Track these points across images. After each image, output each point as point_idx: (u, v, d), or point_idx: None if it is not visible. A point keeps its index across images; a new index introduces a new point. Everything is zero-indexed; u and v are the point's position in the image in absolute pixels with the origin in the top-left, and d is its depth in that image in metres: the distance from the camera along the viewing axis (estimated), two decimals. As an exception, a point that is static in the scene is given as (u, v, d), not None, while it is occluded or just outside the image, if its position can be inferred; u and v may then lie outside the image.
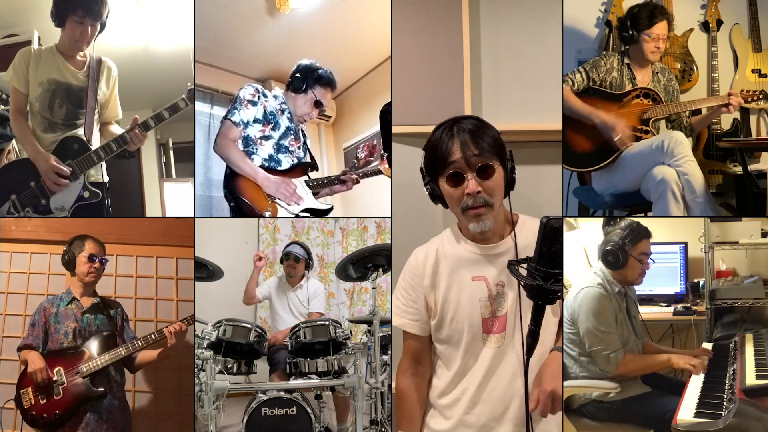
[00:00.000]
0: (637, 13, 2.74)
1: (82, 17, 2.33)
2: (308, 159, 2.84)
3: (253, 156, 2.65)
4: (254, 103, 2.66)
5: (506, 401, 1.63)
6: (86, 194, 2.46)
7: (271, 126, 2.70)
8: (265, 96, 2.71)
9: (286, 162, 2.72)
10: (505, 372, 1.63)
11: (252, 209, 2.57)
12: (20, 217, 2.46)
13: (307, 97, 2.73)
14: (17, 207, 2.43)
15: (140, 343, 2.36)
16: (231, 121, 2.60)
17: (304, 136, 2.89)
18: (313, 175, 2.80)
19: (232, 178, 2.61)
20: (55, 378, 2.28)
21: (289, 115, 2.75)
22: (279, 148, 2.72)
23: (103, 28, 2.42)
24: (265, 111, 2.68)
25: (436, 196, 1.63)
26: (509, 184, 1.60)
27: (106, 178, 2.59)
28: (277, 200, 2.62)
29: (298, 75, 2.73)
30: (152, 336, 2.36)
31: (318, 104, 2.75)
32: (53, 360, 2.31)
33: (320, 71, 2.74)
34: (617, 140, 2.69)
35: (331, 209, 2.76)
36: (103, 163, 2.54)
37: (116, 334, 2.42)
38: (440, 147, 1.56)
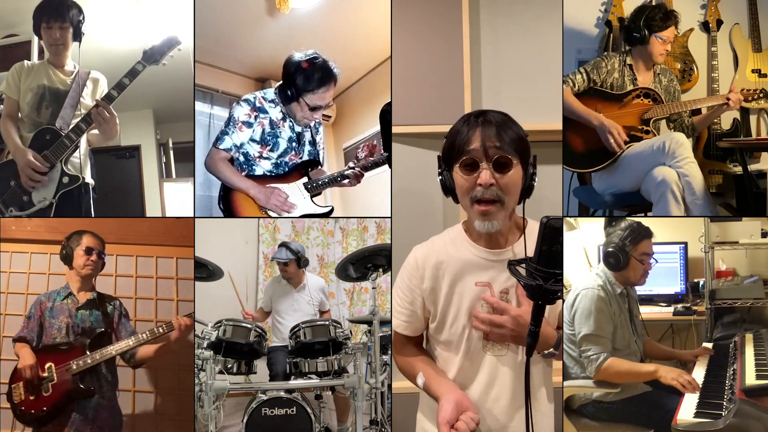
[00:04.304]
0: (651, 14, 2.73)
1: (48, 21, 2.55)
2: (308, 157, 2.76)
3: (254, 168, 2.64)
4: (249, 125, 2.60)
5: (510, 413, 1.58)
6: (65, 180, 2.51)
7: (269, 148, 2.65)
8: (264, 112, 2.62)
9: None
10: (507, 382, 1.57)
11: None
12: (4, 218, 2.50)
13: (299, 105, 2.62)
14: (0, 210, 2.48)
15: (145, 336, 2.34)
16: (218, 149, 2.58)
17: (318, 127, 2.81)
18: (315, 173, 2.74)
19: (226, 195, 2.61)
20: (45, 374, 2.28)
21: (290, 123, 2.69)
22: (278, 164, 2.69)
23: (78, 33, 2.58)
24: (263, 131, 2.62)
25: (448, 188, 1.55)
26: (526, 190, 1.52)
27: (91, 180, 2.61)
28: (269, 212, 2.59)
29: (283, 82, 2.60)
30: (159, 329, 2.35)
31: (313, 109, 2.62)
32: (46, 355, 2.31)
33: (304, 74, 2.55)
34: (612, 143, 2.69)
35: (331, 211, 2.71)
36: (79, 161, 2.58)
37: (111, 332, 2.42)
38: (460, 135, 1.50)
